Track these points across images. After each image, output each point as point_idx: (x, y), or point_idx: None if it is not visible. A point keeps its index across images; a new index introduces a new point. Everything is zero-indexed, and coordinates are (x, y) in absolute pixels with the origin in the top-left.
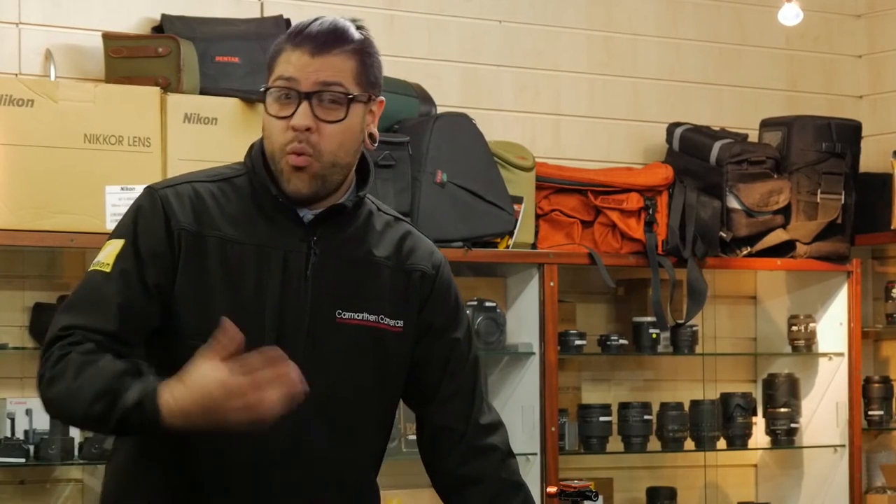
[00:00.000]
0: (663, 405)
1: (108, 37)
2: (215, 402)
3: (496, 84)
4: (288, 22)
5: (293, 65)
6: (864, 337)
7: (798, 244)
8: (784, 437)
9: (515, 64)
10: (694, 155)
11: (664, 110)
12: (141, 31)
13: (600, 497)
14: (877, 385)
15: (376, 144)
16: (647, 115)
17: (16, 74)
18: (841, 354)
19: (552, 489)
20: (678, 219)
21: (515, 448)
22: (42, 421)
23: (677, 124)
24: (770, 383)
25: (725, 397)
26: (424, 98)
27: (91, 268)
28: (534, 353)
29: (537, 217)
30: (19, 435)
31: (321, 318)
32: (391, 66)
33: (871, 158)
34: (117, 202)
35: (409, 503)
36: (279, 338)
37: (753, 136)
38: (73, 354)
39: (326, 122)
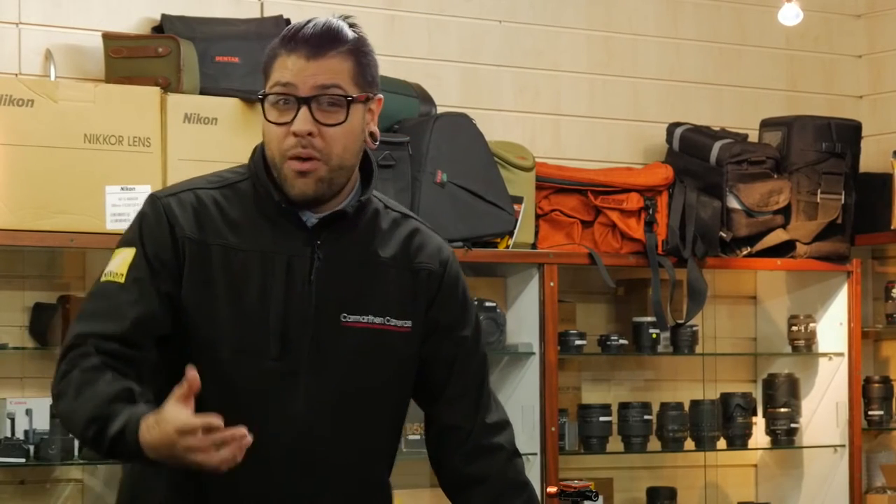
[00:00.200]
0: (663, 405)
1: (108, 37)
2: (173, 444)
3: (496, 84)
4: (288, 22)
5: (289, 70)
6: (864, 337)
7: (798, 244)
8: (784, 437)
9: (515, 64)
10: (694, 155)
11: (664, 110)
12: (141, 31)
13: (600, 497)
14: (877, 385)
15: (378, 143)
16: (647, 115)
17: (16, 74)
18: (841, 354)
19: (552, 489)
20: (678, 219)
21: None
22: (42, 421)
23: (677, 124)
24: (770, 383)
25: (725, 397)
26: (424, 98)
27: (103, 278)
28: (534, 353)
29: (537, 217)
30: (19, 435)
31: (326, 323)
32: (391, 66)
33: (871, 158)
34: (117, 202)
35: (409, 503)
36: (284, 343)
37: (753, 136)
38: (75, 373)
39: (328, 126)
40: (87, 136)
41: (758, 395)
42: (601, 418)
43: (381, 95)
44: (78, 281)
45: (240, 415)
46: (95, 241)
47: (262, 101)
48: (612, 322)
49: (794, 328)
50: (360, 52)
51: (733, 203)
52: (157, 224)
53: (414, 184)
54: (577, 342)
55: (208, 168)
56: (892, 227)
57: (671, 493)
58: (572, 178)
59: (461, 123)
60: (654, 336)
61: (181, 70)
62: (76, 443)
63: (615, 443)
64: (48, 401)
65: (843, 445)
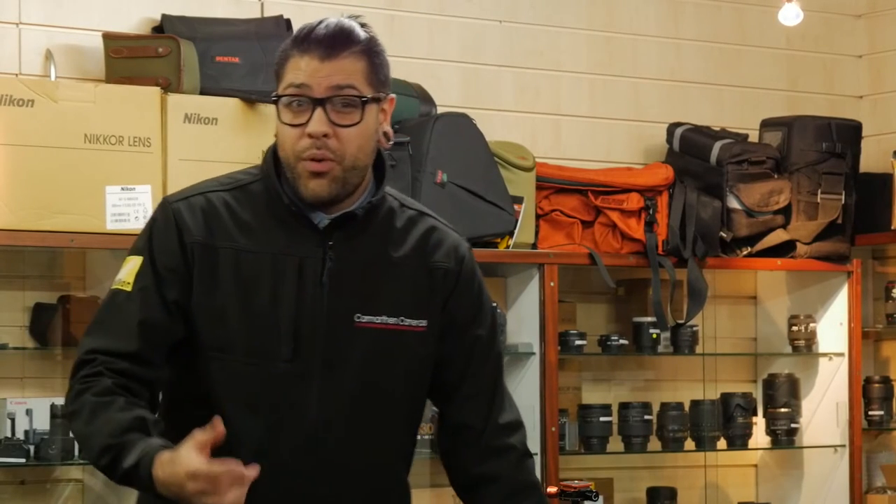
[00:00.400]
0: (663, 405)
1: (108, 37)
2: (183, 486)
3: (496, 84)
4: (288, 22)
5: (303, 71)
6: (865, 337)
7: (798, 244)
8: (784, 437)
9: (516, 64)
10: (694, 155)
11: (664, 110)
12: (141, 31)
13: (600, 497)
14: (877, 385)
15: (391, 143)
16: (648, 115)
17: (16, 74)
18: (841, 354)
19: (552, 489)
20: (678, 219)
21: None
22: (42, 421)
23: (677, 124)
24: (770, 383)
25: (726, 397)
26: (425, 98)
27: (113, 286)
28: (534, 353)
29: (537, 217)
30: (19, 435)
31: (339, 324)
32: (391, 67)
33: (872, 158)
34: (117, 202)
35: None
36: (296, 345)
37: (754, 136)
38: (87, 396)
39: (343, 127)
40: (88, 137)
41: (758, 395)
42: (601, 418)
43: (393, 95)
44: (78, 281)
45: (253, 418)
46: (96, 241)
47: (275, 102)
48: (613, 322)
49: (795, 328)
50: (372, 52)
51: (733, 203)
52: (165, 230)
53: (414, 184)
54: (578, 342)
55: (208, 168)
56: (893, 227)
57: (671, 493)
58: (573, 178)
59: (461, 123)
60: (655, 336)
61: (181, 70)
62: (76, 443)
63: (615, 443)
64: (48, 401)
65: (844, 445)
